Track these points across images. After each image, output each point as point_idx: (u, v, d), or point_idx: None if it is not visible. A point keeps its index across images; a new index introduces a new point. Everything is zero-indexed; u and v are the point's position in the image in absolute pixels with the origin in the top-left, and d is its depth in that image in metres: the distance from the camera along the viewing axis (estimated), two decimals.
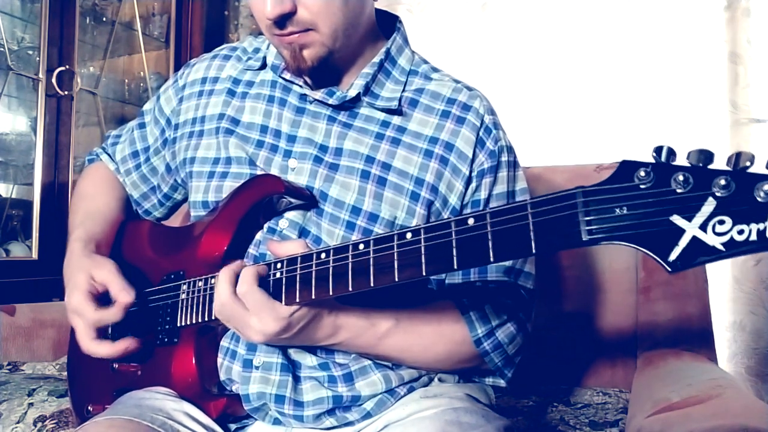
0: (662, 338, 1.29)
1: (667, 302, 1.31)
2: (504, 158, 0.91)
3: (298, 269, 0.74)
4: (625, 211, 0.53)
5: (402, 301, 0.85)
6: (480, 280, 0.89)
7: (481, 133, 0.89)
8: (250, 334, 0.76)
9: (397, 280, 0.66)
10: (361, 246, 0.70)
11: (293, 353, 0.84)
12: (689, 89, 1.90)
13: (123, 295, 0.86)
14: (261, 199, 0.85)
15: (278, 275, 0.76)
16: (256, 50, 0.99)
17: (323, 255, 0.72)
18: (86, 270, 0.88)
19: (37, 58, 2.04)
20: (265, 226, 0.87)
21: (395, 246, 0.67)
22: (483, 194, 0.89)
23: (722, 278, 1.85)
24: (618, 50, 1.99)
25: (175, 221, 1.13)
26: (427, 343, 0.84)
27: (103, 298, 0.88)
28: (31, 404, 1.17)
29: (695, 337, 1.27)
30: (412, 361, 0.85)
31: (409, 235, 0.66)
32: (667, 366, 1.16)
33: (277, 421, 0.84)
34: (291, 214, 0.87)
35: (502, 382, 0.92)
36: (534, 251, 0.58)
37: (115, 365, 0.93)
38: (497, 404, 0.97)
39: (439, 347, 0.85)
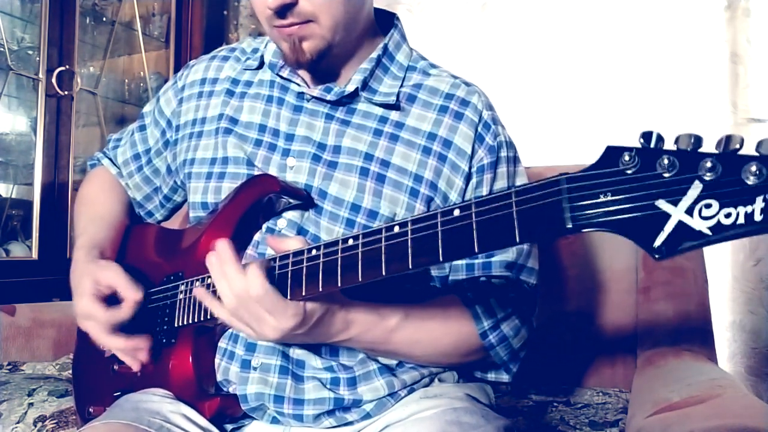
0: (662, 338, 1.29)
1: (667, 302, 1.30)
2: (503, 154, 0.91)
3: (296, 263, 0.73)
4: (609, 197, 0.51)
5: (407, 298, 0.85)
6: (483, 275, 0.89)
7: (479, 129, 0.89)
8: (265, 330, 0.73)
9: (384, 273, 0.65)
10: (350, 240, 0.69)
11: (298, 354, 0.84)
12: (689, 89, 1.90)
13: (131, 292, 0.86)
14: (258, 200, 0.84)
15: (278, 270, 0.75)
16: (255, 50, 0.99)
17: (314, 251, 0.72)
18: (91, 275, 0.88)
19: (37, 58, 2.04)
20: (264, 226, 0.87)
21: (383, 239, 0.66)
22: (484, 190, 0.89)
23: (722, 278, 1.85)
24: (618, 50, 1.99)
25: (173, 223, 1.13)
26: (435, 337, 0.84)
27: (110, 300, 0.88)
28: (31, 404, 1.16)
29: (695, 336, 1.27)
30: (420, 356, 0.85)
31: (396, 228, 0.65)
32: (667, 366, 1.16)
33: (275, 420, 0.84)
34: (289, 214, 0.87)
35: (505, 377, 0.91)
36: (518, 240, 0.56)
37: (116, 366, 0.93)
38: (497, 404, 0.96)
39: (446, 340, 0.85)
